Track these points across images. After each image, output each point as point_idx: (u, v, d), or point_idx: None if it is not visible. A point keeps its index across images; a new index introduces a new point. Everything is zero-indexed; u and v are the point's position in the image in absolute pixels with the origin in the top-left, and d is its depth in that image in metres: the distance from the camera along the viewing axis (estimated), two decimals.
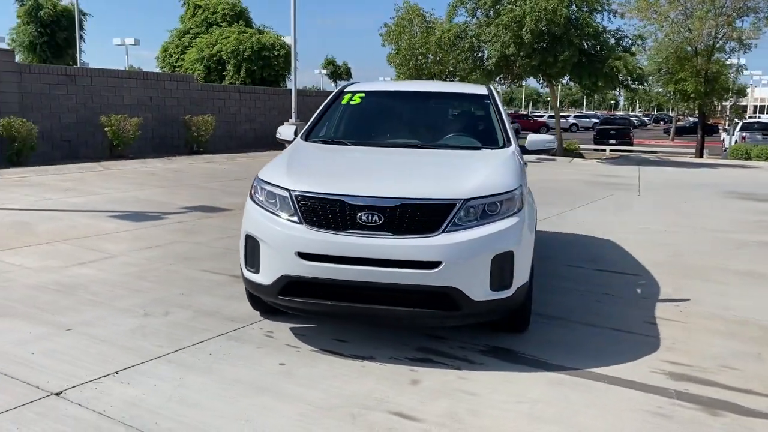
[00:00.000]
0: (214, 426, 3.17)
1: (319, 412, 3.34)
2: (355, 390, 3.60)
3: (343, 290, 3.89)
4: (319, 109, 5.55)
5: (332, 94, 5.71)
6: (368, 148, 5.05)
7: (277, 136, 5.51)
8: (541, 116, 60.41)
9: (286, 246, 3.93)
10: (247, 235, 4.18)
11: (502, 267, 3.92)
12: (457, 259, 3.80)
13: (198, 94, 18.92)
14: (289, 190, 4.05)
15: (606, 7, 21.52)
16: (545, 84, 24.55)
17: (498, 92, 6.53)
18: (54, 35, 34.23)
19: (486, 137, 5.15)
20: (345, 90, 5.77)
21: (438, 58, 29.12)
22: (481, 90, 5.61)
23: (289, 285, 3.97)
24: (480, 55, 23.24)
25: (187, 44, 28.50)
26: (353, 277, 3.83)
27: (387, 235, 3.82)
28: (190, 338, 4.28)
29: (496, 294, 3.93)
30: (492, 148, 4.93)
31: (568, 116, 67.71)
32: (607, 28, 21.64)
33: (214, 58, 26.71)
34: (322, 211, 3.93)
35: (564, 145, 24.18)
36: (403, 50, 36.47)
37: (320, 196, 3.96)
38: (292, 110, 19.99)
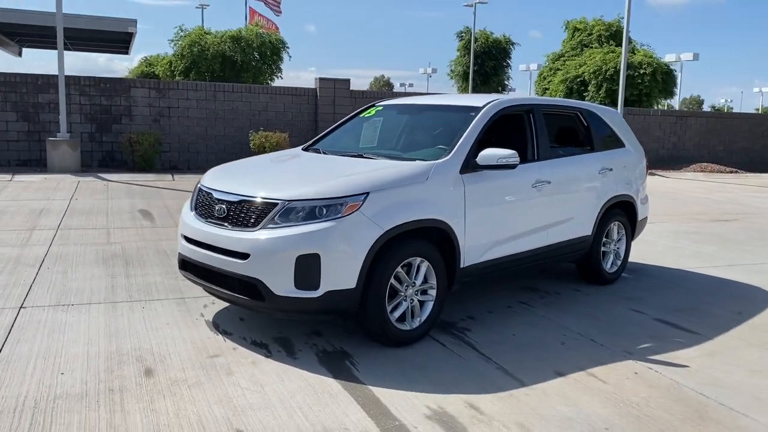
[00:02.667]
0: (44, 345, 4.30)
1: (108, 355, 4.16)
2: (161, 350, 4.29)
3: (198, 270, 4.61)
4: (339, 121, 6.11)
5: (360, 108, 6.17)
6: (315, 155, 5.46)
7: None
8: None
9: (180, 229, 4.85)
10: None
11: (307, 267, 4.08)
12: (261, 253, 4.15)
13: None
14: (200, 184, 4.94)
15: None
16: None
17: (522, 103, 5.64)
18: (483, 65, 38.76)
19: (442, 150, 4.98)
20: (374, 104, 6.16)
21: None
22: (477, 102, 5.32)
23: (181, 262, 4.86)
24: None
25: (558, 67, 29.19)
26: (201, 260, 4.53)
27: (226, 226, 4.41)
28: (154, 296, 5.48)
29: (301, 293, 4.11)
30: (426, 160, 4.81)
31: None
32: None
33: (578, 79, 26.77)
34: (201, 202, 4.73)
35: None
36: None
37: (202, 188, 4.78)
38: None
